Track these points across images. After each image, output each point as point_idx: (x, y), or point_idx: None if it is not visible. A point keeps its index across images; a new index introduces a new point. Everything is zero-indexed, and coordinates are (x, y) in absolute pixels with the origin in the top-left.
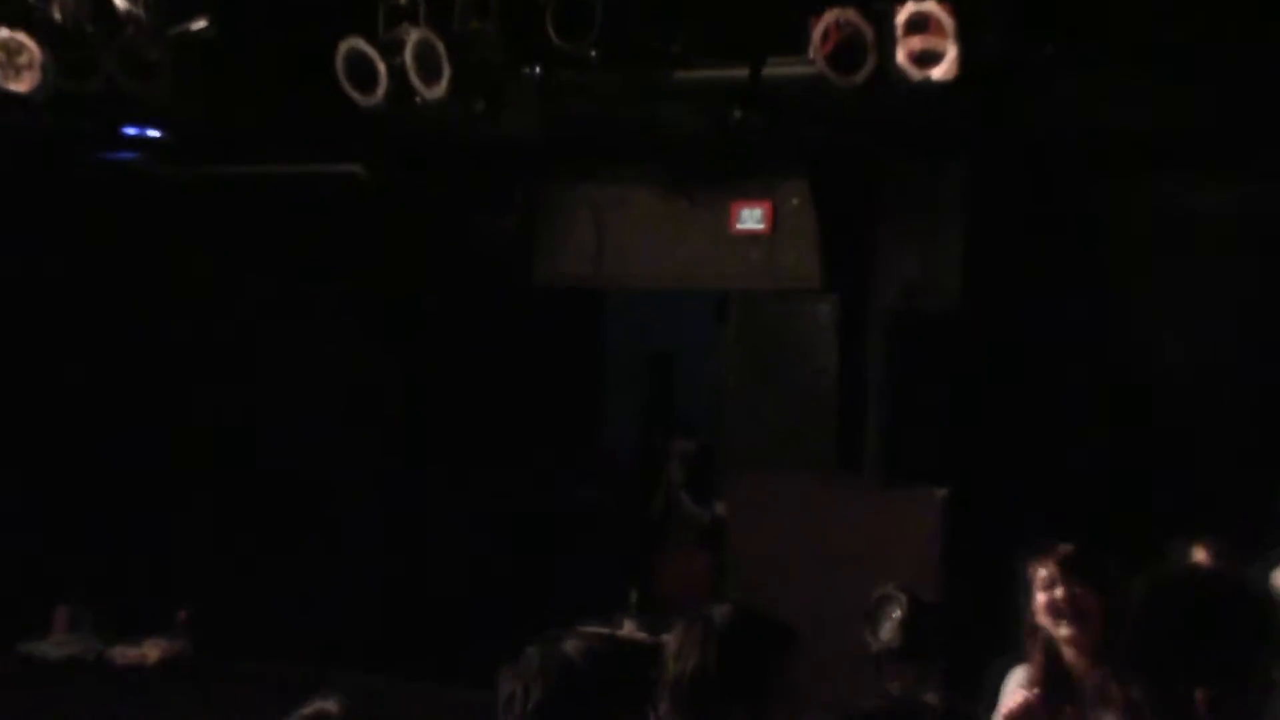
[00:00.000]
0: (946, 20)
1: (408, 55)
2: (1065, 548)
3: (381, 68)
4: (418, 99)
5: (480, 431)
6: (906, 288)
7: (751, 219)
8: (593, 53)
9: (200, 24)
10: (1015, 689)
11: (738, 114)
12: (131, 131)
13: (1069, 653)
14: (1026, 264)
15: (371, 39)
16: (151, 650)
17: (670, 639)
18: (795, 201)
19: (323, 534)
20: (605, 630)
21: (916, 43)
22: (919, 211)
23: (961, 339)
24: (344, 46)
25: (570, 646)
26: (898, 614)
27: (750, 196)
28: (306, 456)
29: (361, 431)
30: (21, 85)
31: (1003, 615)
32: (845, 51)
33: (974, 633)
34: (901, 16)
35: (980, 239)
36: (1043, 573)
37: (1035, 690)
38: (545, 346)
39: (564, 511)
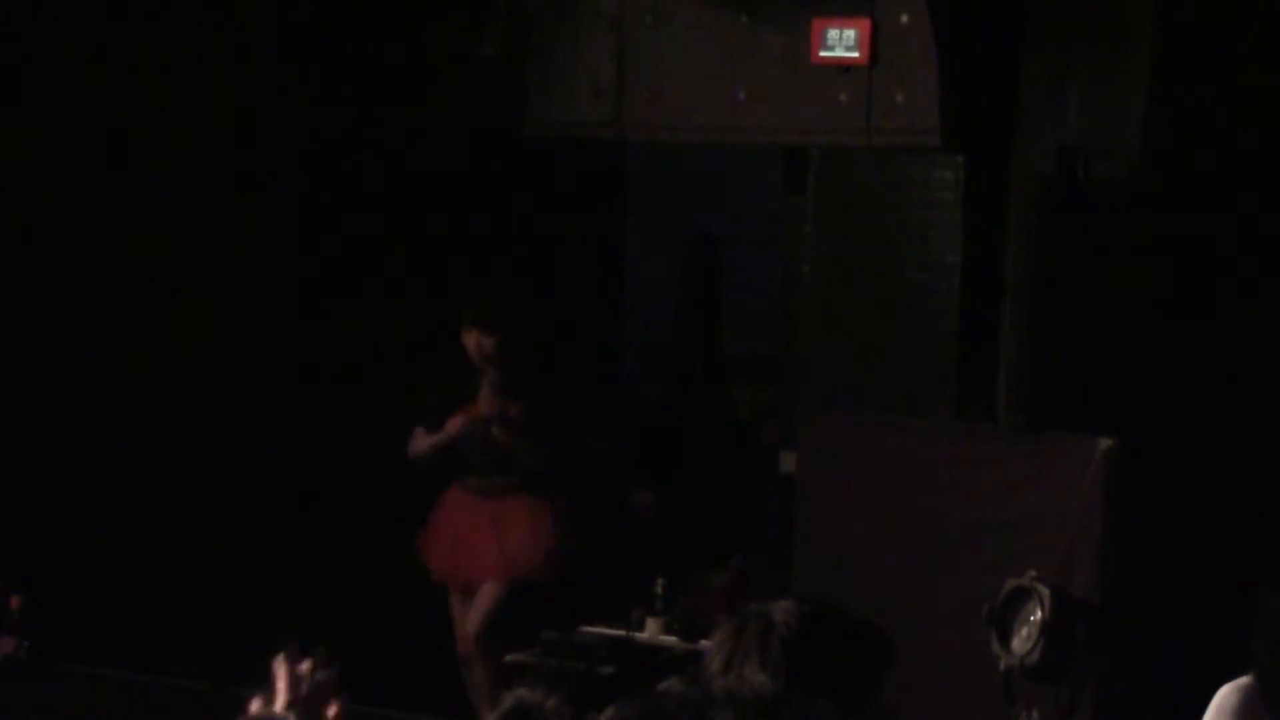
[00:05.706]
0: None
1: None
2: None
3: None
4: None
5: (437, 354)
6: (1065, 148)
7: (841, 44)
8: None
9: None
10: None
11: None
12: None
13: None
14: (1244, 115)
15: None
16: None
17: (713, 645)
18: (905, 19)
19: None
20: (619, 633)
21: None
22: (1086, 37)
23: (1144, 222)
24: None
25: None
26: (1037, 615)
27: (839, 11)
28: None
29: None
30: None
31: (1185, 619)
32: None
33: (1143, 644)
34: None
35: (1177, 77)
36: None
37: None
38: (538, 228)
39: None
